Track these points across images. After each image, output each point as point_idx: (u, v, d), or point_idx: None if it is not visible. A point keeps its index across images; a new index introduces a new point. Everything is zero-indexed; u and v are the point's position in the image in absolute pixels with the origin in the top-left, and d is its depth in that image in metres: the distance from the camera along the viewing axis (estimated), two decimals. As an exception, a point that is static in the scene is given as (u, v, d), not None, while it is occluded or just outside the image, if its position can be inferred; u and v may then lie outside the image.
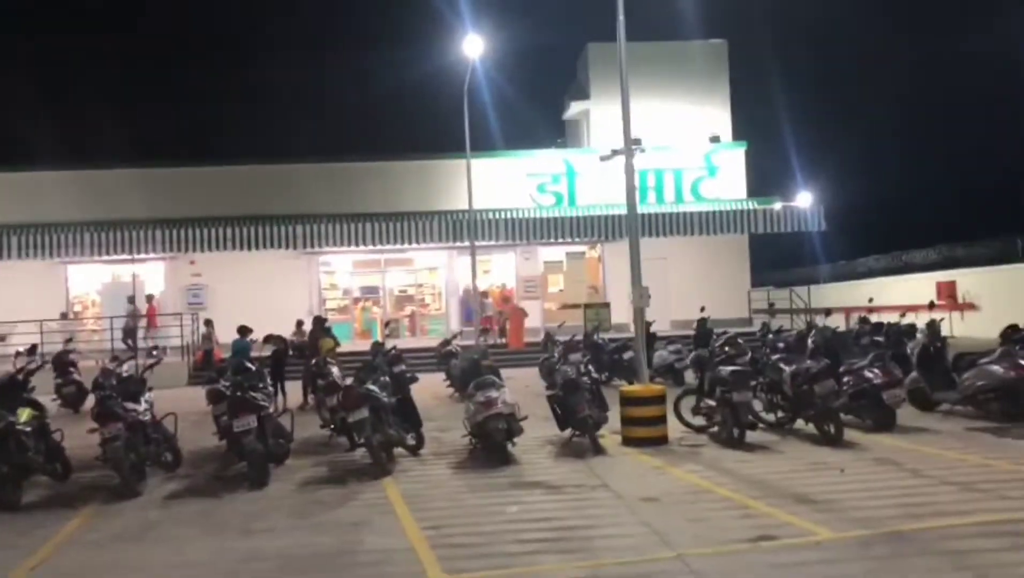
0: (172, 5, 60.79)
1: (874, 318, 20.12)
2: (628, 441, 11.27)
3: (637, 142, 13.75)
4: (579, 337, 18.76)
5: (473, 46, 21.16)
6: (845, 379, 11.52)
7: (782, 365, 11.85)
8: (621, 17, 12.55)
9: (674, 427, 11.73)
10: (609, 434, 11.54)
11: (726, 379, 10.99)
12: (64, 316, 24.39)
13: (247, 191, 25.62)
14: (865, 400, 11.46)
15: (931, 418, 12.35)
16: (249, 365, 13.50)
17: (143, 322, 24.15)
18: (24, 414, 9.73)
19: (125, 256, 25.14)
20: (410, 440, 11.20)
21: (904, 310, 19.94)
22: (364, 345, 23.00)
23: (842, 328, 19.80)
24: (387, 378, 11.78)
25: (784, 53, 62.40)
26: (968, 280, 28.58)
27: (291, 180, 26.24)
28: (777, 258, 40.38)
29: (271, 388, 14.24)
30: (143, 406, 10.51)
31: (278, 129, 44.95)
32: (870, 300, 22.33)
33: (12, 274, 24.31)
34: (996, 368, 11.45)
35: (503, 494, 8.91)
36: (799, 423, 11.65)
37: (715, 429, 11.49)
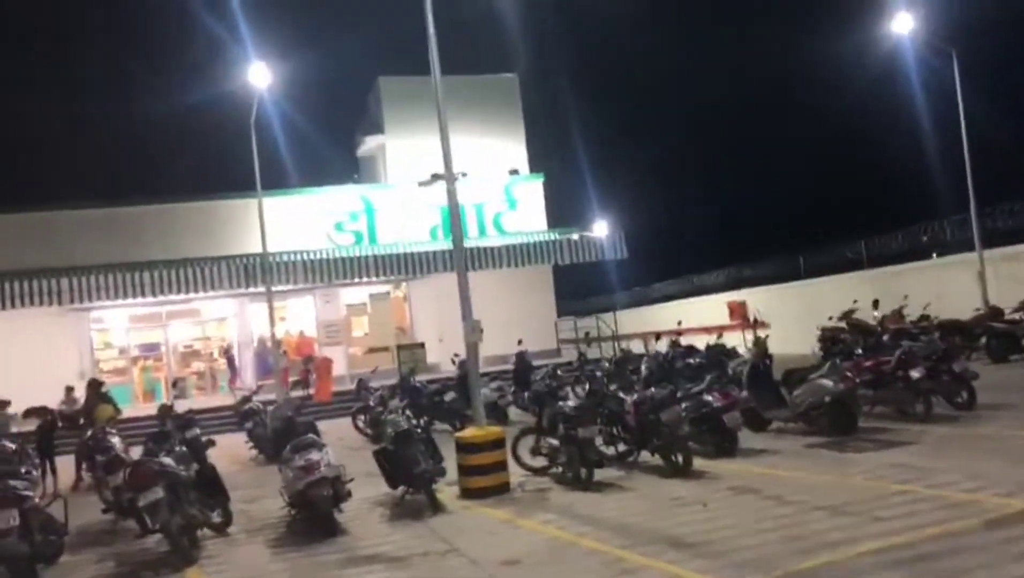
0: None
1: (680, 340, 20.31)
2: (467, 493, 10.20)
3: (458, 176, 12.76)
4: (393, 382, 17.57)
5: (259, 75, 19.50)
6: (683, 405, 11.08)
7: (622, 394, 11.25)
8: (434, 48, 11.65)
9: (512, 471, 10.80)
10: (444, 486, 10.42)
11: (569, 414, 10.21)
12: None
13: (5, 242, 22.36)
14: (706, 425, 11.07)
15: (766, 438, 12.18)
16: (6, 444, 11.34)
17: None
18: None
19: None
20: (215, 517, 9.55)
21: (721, 331, 20.27)
22: (148, 409, 20.67)
23: (648, 352, 19.78)
24: (182, 447, 10.08)
25: (577, 82, 64.20)
26: (757, 298, 29.97)
27: (53, 228, 23.22)
28: (574, 288, 40.91)
29: (37, 470, 12.06)
30: None
31: (35, 171, 40.19)
32: (679, 323, 22.64)
33: None
34: (827, 382, 11.42)
35: (336, 575, 7.58)
36: (643, 455, 11.08)
37: (557, 469, 10.67)
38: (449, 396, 16.81)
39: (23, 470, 9.24)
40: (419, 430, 10.24)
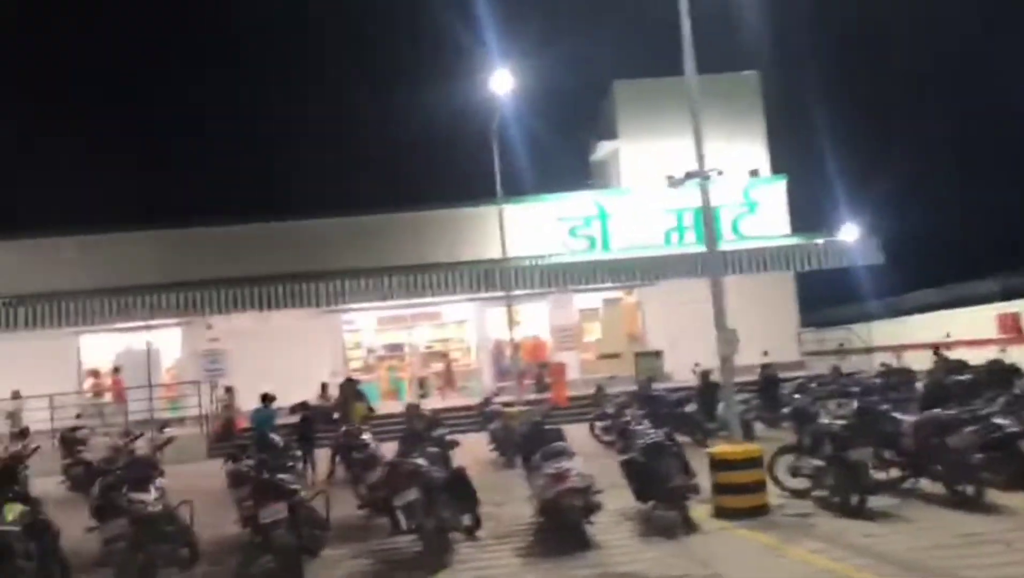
0: (180, 60, 60.05)
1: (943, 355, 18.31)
2: (722, 512, 9.55)
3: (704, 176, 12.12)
4: (629, 389, 17.14)
5: (501, 82, 19.82)
6: (971, 428, 9.79)
7: (897, 415, 10.15)
8: (689, 47, 11.10)
9: (770, 492, 10.01)
10: (694, 503, 9.83)
11: (838, 434, 9.30)
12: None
13: (264, 249, 24.25)
14: (998, 452, 9.72)
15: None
16: (274, 438, 12.04)
17: (108, 397, 22.87)
18: (12, 512, 8.19)
19: (139, 323, 23.82)
20: (465, 521, 9.53)
21: (1005, 344, 18.12)
22: (391, 407, 21.60)
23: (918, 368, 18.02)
24: (436, 448, 10.17)
25: (822, 79, 60.34)
26: (1030, 310, 26.73)
27: (310, 236, 24.85)
28: (814, 297, 38.44)
29: (299, 463, 12.70)
30: (153, 494, 8.94)
31: (295, 182, 43.50)
32: (947, 335, 20.54)
33: (22, 346, 22.90)
34: None
35: (593, 591, 7.26)
36: (920, 482, 9.91)
37: (822, 493, 9.77)
38: (690, 407, 16.15)
39: (289, 465, 9.66)
40: (671, 443, 9.72)
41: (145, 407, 21.95)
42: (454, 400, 24.05)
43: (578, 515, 8.80)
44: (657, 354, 24.65)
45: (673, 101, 27.41)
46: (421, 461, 9.05)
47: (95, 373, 23.16)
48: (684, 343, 23.29)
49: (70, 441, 16.39)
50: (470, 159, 30.61)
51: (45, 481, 13.10)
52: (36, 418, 20.44)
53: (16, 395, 21.32)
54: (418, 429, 11.92)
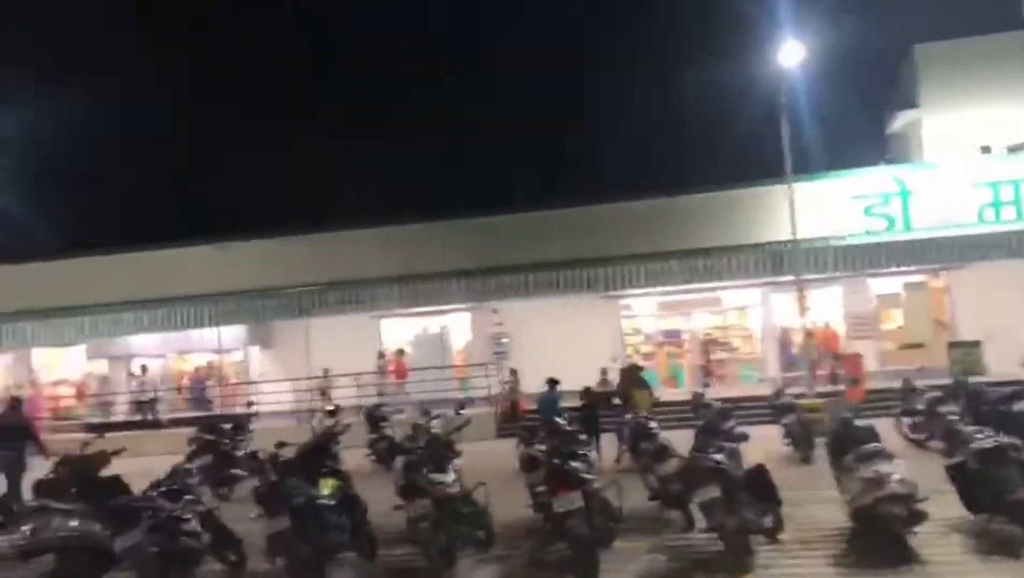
0: (458, 47, 62.32)
1: None
2: (1080, 534, 8.15)
3: None
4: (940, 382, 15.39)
5: (791, 54, 18.57)
6: None
7: None
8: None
9: None
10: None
11: None
12: (382, 369, 24.61)
13: (547, 236, 24.50)
14: None
15: None
16: (560, 422, 12.05)
17: (390, 377, 24.14)
18: (327, 486, 8.75)
19: (433, 308, 25.21)
20: (767, 522, 8.89)
21: None
22: (670, 394, 21.14)
23: None
24: (733, 444, 9.61)
25: None
26: None
27: (591, 221, 24.80)
28: None
29: (588, 449, 12.62)
30: (451, 476, 9.19)
31: (575, 167, 43.79)
32: None
33: (331, 329, 25.05)
34: None
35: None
36: None
37: None
38: (1019, 405, 14.14)
39: (581, 452, 9.53)
40: (1013, 449, 8.43)
41: (439, 387, 23.18)
42: (736, 390, 23.10)
43: (899, 525, 7.88)
44: (975, 344, 22.05)
45: (985, 63, 24.72)
46: (720, 457, 8.54)
47: (382, 354, 24.74)
48: (1003, 333, 20.75)
49: (375, 417, 17.59)
50: (752, 137, 29.27)
51: (352, 453, 14.03)
52: (342, 395, 22.30)
53: (326, 373, 23.38)
54: (714, 423, 11.35)
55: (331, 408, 16.29)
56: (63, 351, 27.72)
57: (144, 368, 25.52)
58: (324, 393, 22.94)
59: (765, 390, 21.14)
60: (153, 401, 24.80)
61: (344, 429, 12.15)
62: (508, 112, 53.26)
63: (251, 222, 31.60)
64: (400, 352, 25.12)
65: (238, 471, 13.94)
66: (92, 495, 8.30)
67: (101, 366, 27.87)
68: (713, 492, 7.99)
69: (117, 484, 8.82)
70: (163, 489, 8.64)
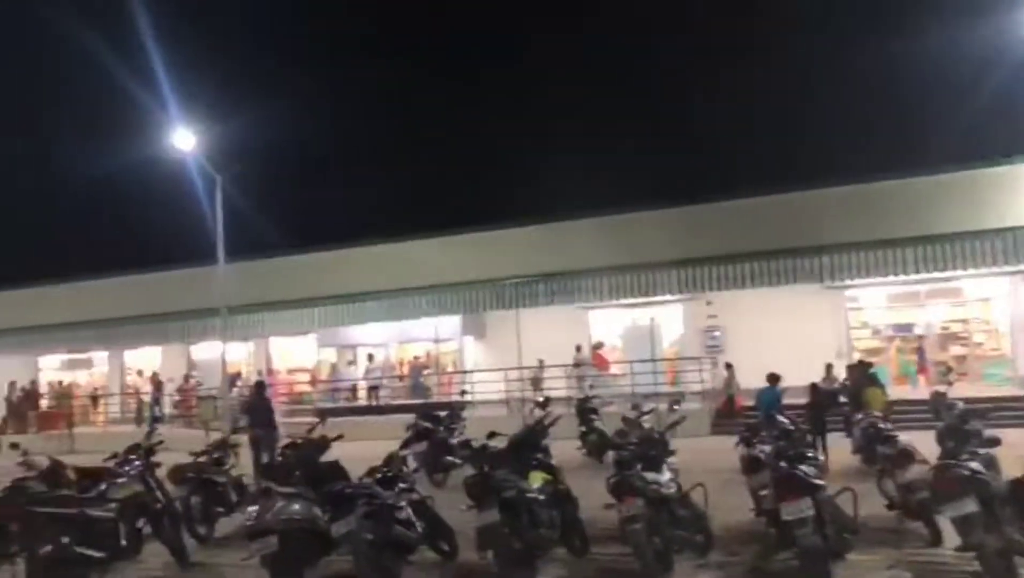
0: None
1: None
2: None
3: None
4: None
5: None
6: None
7: None
8: None
9: None
10: None
11: None
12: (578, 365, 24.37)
13: (764, 223, 23.23)
14: None
15: None
16: (782, 421, 11.25)
17: (592, 371, 23.67)
18: (536, 480, 8.56)
19: (643, 299, 24.70)
20: (1027, 543, 7.76)
21: None
22: (902, 393, 19.43)
23: None
24: (987, 449, 8.51)
25: None
26: None
27: (811, 207, 23.23)
28: None
29: (818, 452, 11.77)
30: (666, 475, 8.73)
31: (793, 150, 41.39)
32: None
33: (539, 320, 25.15)
34: None
35: None
36: None
37: None
38: None
39: (809, 455, 8.76)
40: None
41: (648, 380, 22.67)
42: (977, 389, 20.88)
43: None
44: None
45: None
46: (975, 465, 7.53)
47: (578, 348, 24.42)
48: None
49: (586, 410, 17.37)
50: (995, 109, 26.44)
51: (562, 446, 13.89)
52: (553, 386, 22.30)
53: (541, 364, 23.50)
54: (956, 423, 10.19)
55: (542, 399, 16.19)
56: (297, 340, 29.68)
57: (371, 357, 26.87)
58: (536, 383, 23.07)
59: (1013, 390, 19.01)
60: (377, 388, 26.01)
61: (554, 421, 11.97)
62: (724, 94, 51.42)
63: (472, 214, 32.30)
64: (598, 345, 24.82)
65: (453, 459, 14.15)
66: (312, 480, 8.60)
67: (330, 354, 29.56)
68: (969, 506, 7.04)
69: (336, 469, 9.10)
70: (379, 476, 8.78)
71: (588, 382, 22.78)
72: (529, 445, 10.25)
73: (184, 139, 22.31)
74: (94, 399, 30.56)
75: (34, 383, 30.33)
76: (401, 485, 8.71)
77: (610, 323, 26.59)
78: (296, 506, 7.82)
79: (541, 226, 25.55)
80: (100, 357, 32.98)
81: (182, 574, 9.49)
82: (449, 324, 27.10)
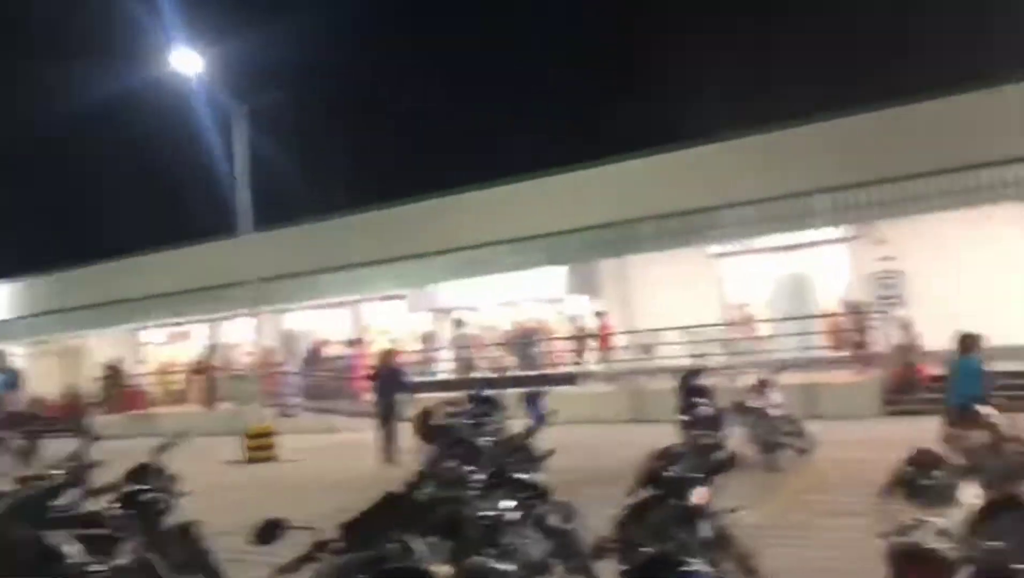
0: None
1: None
2: None
3: None
4: None
5: None
6: None
7: None
8: None
9: None
10: None
11: None
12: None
13: (949, 132, 16.89)
14: None
15: None
16: (990, 414, 6.34)
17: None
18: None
19: (791, 242, 19.32)
20: None
21: None
22: None
23: None
24: None
25: None
26: None
27: (1011, 103, 16.75)
28: None
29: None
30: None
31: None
32: None
33: (659, 275, 20.21)
34: None
35: None
36: None
37: None
38: None
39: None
40: None
41: (800, 343, 17.50)
42: None
43: None
44: None
45: None
46: None
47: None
48: None
49: (691, 389, 12.49)
50: None
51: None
52: (670, 353, 17.60)
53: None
54: None
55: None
56: (387, 305, 26.00)
57: (459, 322, 22.95)
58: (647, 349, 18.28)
59: None
60: (470, 359, 22.15)
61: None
62: None
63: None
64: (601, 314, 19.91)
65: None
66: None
67: (424, 320, 25.72)
68: None
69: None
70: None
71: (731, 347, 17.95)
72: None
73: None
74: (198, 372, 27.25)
75: (120, 361, 28.12)
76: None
77: (749, 274, 20.97)
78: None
79: (673, 154, 20.12)
80: (198, 331, 30.41)
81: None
82: (555, 281, 22.58)
